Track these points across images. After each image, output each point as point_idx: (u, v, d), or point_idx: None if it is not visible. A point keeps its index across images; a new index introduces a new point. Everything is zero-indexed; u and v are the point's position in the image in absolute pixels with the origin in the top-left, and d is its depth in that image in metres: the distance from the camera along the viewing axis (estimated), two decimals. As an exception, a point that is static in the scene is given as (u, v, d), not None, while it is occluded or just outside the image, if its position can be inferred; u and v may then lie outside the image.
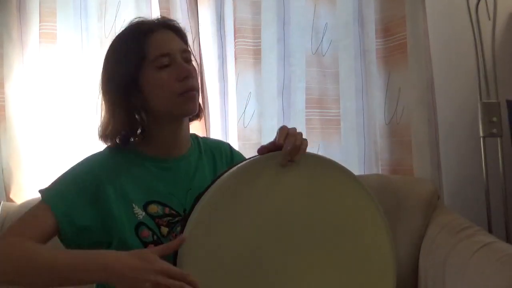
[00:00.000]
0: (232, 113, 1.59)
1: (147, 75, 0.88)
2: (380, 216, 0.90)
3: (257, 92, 1.56)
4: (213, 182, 0.83)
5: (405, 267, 1.28)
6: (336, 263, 0.84)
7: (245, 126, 1.56)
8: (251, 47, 1.56)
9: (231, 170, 0.83)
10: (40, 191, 0.88)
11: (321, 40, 1.61)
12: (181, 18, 1.55)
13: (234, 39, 1.55)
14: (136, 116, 0.91)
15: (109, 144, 0.93)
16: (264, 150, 0.85)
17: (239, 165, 0.84)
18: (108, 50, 0.95)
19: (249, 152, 1.51)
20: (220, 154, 1.04)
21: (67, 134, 1.54)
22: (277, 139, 0.85)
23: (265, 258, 0.80)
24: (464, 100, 1.60)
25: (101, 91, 0.93)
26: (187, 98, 0.89)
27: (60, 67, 1.55)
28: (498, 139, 1.44)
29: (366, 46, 1.60)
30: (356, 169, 1.59)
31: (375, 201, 0.90)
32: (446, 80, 1.61)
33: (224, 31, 1.59)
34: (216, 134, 1.56)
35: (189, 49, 0.97)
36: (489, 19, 1.46)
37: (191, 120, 1.00)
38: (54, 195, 0.86)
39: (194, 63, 0.97)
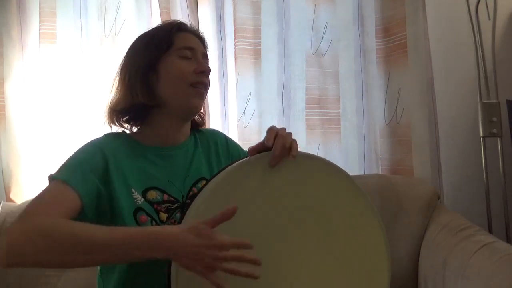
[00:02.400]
0: (232, 113, 1.59)
1: (168, 60, 0.94)
2: (373, 213, 0.90)
3: (257, 92, 1.56)
4: (210, 179, 0.83)
5: (405, 267, 1.28)
6: (330, 261, 0.84)
7: (245, 126, 1.56)
8: (251, 47, 1.56)
9: (225, 170, 0.83)
10: (51, 175, 0.85)
11: (321, 40, 1.61)
12: (181, 18, 1.55)
13: (234, 39, 1.55)
14: (147, 95, 0.93)
15: (114, 122, 0.97)
16: (253, 152, 0.86)
17: (232, 165, 0.84)
18: (139, 36, 1.01)
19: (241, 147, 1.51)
20: (215, 143, 1.07)
21: (67, 134, 1.54)
22: (265, 140, 0.84)
23: (264, 256, 0.79)
24: (464, 100, 1.60)
25: (119, 71, 0.97)
26: (196, 92, 0.94)
27: (60, 67, 1.55)
28: (498, 139, 1.44)
29: (366, 46, 1.60)
30: (356, 169, 1.59)
31: (367, 199, 0.90)
32: (446, 80, 1.61)
33: (224, 31, 1.60)
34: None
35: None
36: (489, 19, 1.46)
37: (193, 127, 1.05)
38: (71, 175, 0.84)
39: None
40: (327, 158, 0.92)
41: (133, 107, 0.94)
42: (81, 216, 0.82)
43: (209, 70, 0.97)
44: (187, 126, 1.02)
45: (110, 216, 0.87)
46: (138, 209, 0.88)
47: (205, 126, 1.11)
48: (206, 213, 0.75)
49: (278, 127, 0.88)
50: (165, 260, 0.75)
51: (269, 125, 1.55)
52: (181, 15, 1.55)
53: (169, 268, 0.76)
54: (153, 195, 0.91)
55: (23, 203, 1.43)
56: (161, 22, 1.03)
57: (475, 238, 1.07)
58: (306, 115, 1.59)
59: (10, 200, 1.49)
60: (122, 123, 0.98)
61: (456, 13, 1.59)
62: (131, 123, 0.98)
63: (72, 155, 0.90)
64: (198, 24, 1.59)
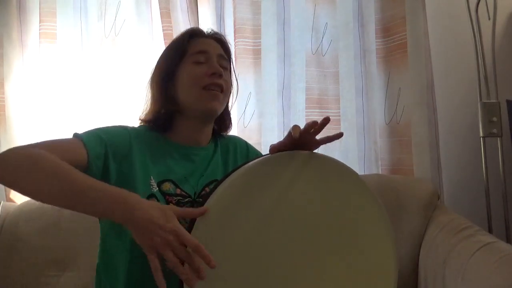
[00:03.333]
0: (232, 113, 1.58)
1: (183, 67, 0.98)
2: (384, 218, 0.90)
3: (257, 92, 1.56)
4: (237, 168, 0.85)
5: (405, 267, 1.28)
6: (339, 261, 0.85)
7: (245, 126, 1.56)
8: (251, 47, 1.56)
9: (255, 161, 0.85)
10: (76, 133, 0.90)
11: (321, 40, 1.61)
12: (181, 18, 1.55)
13: (234, 39, 1.55)
14: (168, 103, 0.98)
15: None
16: (274, 150, 0.87)
17: (253, 161, 0.86)
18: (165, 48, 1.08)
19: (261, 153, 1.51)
20: (234, 148, 1.10)
21: (67, 134, 1.53)
22: (292, 133, 0.84)
23: (272, 255, 0.80)
24: (464, 100, 1.60)
25: (149, 83, 1.04)
26: (210, 94, 0.97)
27: (60, 67, 1.55)
28: (498, 139, 1.44)
29: (366, 46, 1.60)
30: (356, 169, 1.56)
31: (380, 204, 0.91)
32: (446, 80, 1.61)
33: (224, 31, 1.59)
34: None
35: (231, 63, 1.07)
36: (489, 19, 1.46)
37: (219, 129, 1.09)
38: (91, 137, 0.89)
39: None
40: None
41: (159, 115, 0.99)
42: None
43: (221, 71, 0.97)
44: (209, 129, 1.05)
45: None
46: (152, 195, 0.91)
47: (231, 126, 1.14)
48: (233, 194, 0.80)
49: (278, 127, 0.89)
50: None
51: (269, 125, 1.56)
52: (181, 15, 1.55)
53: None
54: (167, 186, 0.94)
55: (23, 203, 1.44)
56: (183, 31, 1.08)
57: (475, 238, 1.07)
58: (306, 115, 1.59)
59: (10, 200, 1.49)
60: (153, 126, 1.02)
61: (456, 13, 1.59)
62: (158, 129, 1.01)
63: (104, 126, 0.95)
64: (198, 24, 1.59)
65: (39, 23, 1.54)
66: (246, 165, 0.85)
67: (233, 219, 0.79)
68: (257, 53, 1.56)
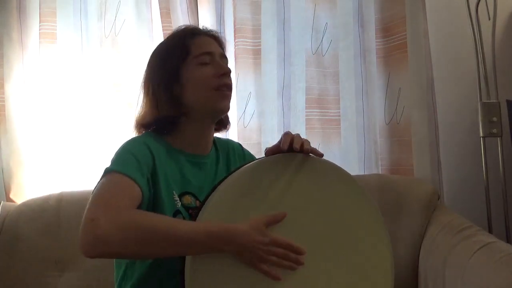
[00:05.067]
0: (232, 113, 1.59)
1: (189, 69, 0.96)
2: (378, 217, 0.92)
3: (257, 92, 1.56)
4: (230, 174, 0.85)
5: (405, 267, 1.28)
6: (333, 262, 0.85)
7: (245, 126, 1.56)
8: (251, 47, 1.56)
9: (251, 163, 0.86)
10: (111, 167, 0.85)
11: (321, 40, 1.61)
12: (181, 18, 1.55)
13: (234, 39, 1.55)
14: (174, 105, 0.96)
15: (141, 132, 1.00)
16: (269, 153, 0.88)
17: (250, 163, 0.86)
18: (156, 48, 1.04)
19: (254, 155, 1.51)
20: (233, 151, 1.11)
21: (67, 134, 1.54)
22: (281, 144, 0.86)
23: None
24: (464, 100, 1.60)
25: (143, 85, 1.01)
26: (222, 95, 0.97)
27: (60, 67, 1.55)
28: (498, 139, 1.44)
29: (366, 46, 1.60)
30: (356, 169, 1.59)
31: (374, 203, 0.93)
32: (446, 80, 1.61)
33: (224, 31, 1.59)
34: (216, 134, 1.56)
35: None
36: (489, 19, 1.46)
37: (218, 129, 1.08)
38: (128, 168, 0.85)
39: None
40: (327, 158, 0.93)
41: (160, 119, 0.96)
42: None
43: (229, 71, 0.98)
44: (212, 133, 1.04)
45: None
46: (177, 211, 0.90)
47: (230, 125, 1.13)
48: (221, 207, 0.80)
49: (278, 127, 0.90)
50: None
51: (269, 125, 1.56)
52: (181, 15, 1.55)
53: (182, 265, 0.78)
54: (188, 200, 0.93)
55: (23, 203, 1.43)
56: (175, 30, 1.05)
57: (475, 238, 1.07)
58: (306, 115, 1.59)
59: (10, 200, 1.49)
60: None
61: (456, 13, 1.59)
62: (159, 132, 0.98)
63: (122, 149, 0.91)
64: (198, 24, 1.59)
65: (39, 23, 1.54)
66: (243, 168, 0.85)
67: (231, 221, 0.79)
68: (257, 53, 1.56)
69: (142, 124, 0.99)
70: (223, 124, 1.10)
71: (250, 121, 1.56)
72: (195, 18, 1.59)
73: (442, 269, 1.07)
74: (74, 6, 1.59)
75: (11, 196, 1.49)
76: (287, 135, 0.88)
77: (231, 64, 1.56)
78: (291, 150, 0.87)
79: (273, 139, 1.52)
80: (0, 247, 1.36)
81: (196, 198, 0.94)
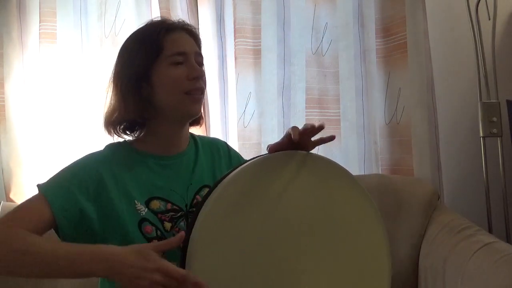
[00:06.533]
0: (232, 113, 1.59)
1: (160, 69, 0.90)
2: (376, 215, 0.92)
3: (257, 92, 1.56)
4: (223, 178, 0.85)
5: (405, 267, 1.28)
6: (330, 262, 0.86)
7: (245, 126, 1.56)
8: (251, 47, 1.56)
9: (242, 166, 0.85)
10: (38, 185, 0.87)
11: (321, 40, 1.61)
12: (181, 18, 1.55)
13: (234, 39, 1.55)
14: (142, 108, 0.91)
15: (111, 132, 0.95)
16: (272, 151, 0.87)
17: (251, 161, 0.86)
18: (127, 40, 0.97)
19: (249, 152, 1.51)
20: (218, 150, 1.06)
21: (67, 134, 1.54)
22: (293, 135, 0.84)
23: (271, 255, 0.81)
24: (464, 100, 1.60)
25: (112, 79, 0.95)
26: (193, 99, 0.92)
27: (60, 67, 1.55)
28: (498, 139, 1.44)
29: (366, 46, 1.60)
30: (356, 169, 1.59)
31: (373, 202, 0.92)
32: (446, 80, 1.61)
33: (224, 31, 1.59)
34: (216, 134, 1.56)
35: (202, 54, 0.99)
36: (489, 19, 1.46)
37: (191, 125, 1.02)
38: (52, 188, 0.85)
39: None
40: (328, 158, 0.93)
41: (128, 119, 0.92)
42: (58, 231, 0.84)
43: (202, 74, 0.94)
44: (186, 131, 1.00)
45: (105, 231, 0.86)
46: (143, 220, 0.88)
47: (204, 123, 1.10)
48: (224, 206, 0.79)
49: (278, 127, 0.90)
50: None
51: (269, 125, 1.56)
52: (181, 15, 1.55)
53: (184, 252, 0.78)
54: (156, 204, 0.90)
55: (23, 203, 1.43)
56: (149, 20, 0.98)
57: (475, 238, 1.07)
58: (306, 115, 1.59)
59: (10, 200, 1.49)
60: (120, 133, 0.95)
61: (456, 13, 1.59)
62: (128, 132, 0.95)
63: (66, 167, 0.90)
64: (198, 24, 1.59)
65: (39, 23, 1.53)
66: (245, 165, 0.85)
67: (232, 219, 0.79)
68: (257, 53, 1.56)
69: (110, 122, 0.93)
70: (196, 120, 1.03)
71: (250, 121, 1.56)
72: (195, 18, 1.59)
73: (442, 269, 1.07)
74: (74, 6, 1.58)
75: (11, 196, 1.49)
76: (295, 127, 0.86)
77: (231, 64, 1.57)
78: (295, 147, 0.86)
79: (273, 139, 1.51)
80: (0, 247, 1.36)
81: (167, 201, 0.91)
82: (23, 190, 1.50)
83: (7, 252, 0.75)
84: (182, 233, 0.77)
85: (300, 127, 0.87)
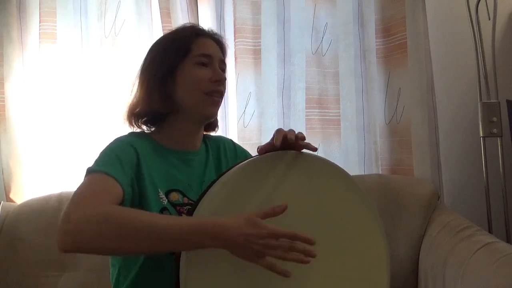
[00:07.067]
0: (232, 113, 1.59)
1: (185, 67, 0.96)
2: (373, 211, 0.91)
3: (257, 92, 1.56)
4: (219, 176, 0.85)
5: (405, 267, 1.28)
6: (333, 260, 0.85)
7: (245, 126, 1.56)
8: (251, 47, 1.56)
9: (237, 166, 0.85)
10: (93, 167, 0.85)
11: (321, 40, 1.61)
12: (181, 18, 1.55)
13: (234, 39, 1.55)
14: (165, 102, 0.95)
15: (132, 123, 0.99)
16: (262, 152, 0.88)
17: (244, 161, 0.86)
18: (159, 38, 1.04)
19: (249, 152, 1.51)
20: (224, 148, 1.10)
21: (67, 134, 1.54)
22: (274, 141, 0.86)
23: None
24: (464, 100, 1.60)
25: (139, 73, 1.00)
26: (212, 101, 0.96)
27: (60, 67, 1.55)
28: (498, 139, 1.44)
29: (366, 46, 1.60)
30: (356, 169, 1.59)
31: (371, 203, 0.92)
32: (446, 80, 1.61)
33: (224, 31, 1.60)
34: (216, 134, 1.56)
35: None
36: (489, 19, 1.46)
37: (206, 129, 1.07)
38: (112, 167, 0.84)
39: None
40: (327, 158, 0.93)
41: (151, 111, 0.96)
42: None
43: (224, 79, 0.98)
44: (202, 132, 1.04)
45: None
46: (163, 208, 0.90)
47: (218, 128, 1.13)
48: (218, 206, 0.79)
49: (278, 127, 0.89)
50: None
51: (269, 125, 1.56)
52: (181, 15, 1.55)
53: (177, 262, 0.78)
54: (175, 197, 0.93)
55: (23, 203, 1.43)
56: (180, 25, 1.05)
57: (475, 238, 1.07)
58: (306, 115, 1.59)
59: (10, 200, 1.50)
60: (141, 125, 0.99)
61: (456, 13, 1.59)
62: (149, 125, 1.00)
63: (106, 149, 0.90)
64: (198, 24, 1.59)
65: (39, 23, 1.54)
66: (237, 166, 0.85)
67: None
68: (257, 53, 1.56)
69: (133, 113, 0.98)
70: (212, 126, 1.09)
71: (250, 121, 1.56)
72: (195, 18, 1.59)
73: (442, 269, 1.07)
74: (74, 6, 1.59)
75: (11, 196, 1.50)
76: (279, 131, 0.87)
77: (231, 64, 1.57)
78: (284, 148, 0.87)
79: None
80: (0, 247, 1.36)
81: (184, 195, 0.94)
82: (23, 190, 1.50)
83: (120, 229, 0.72)
84: (286, 202, 0.76)
85: (300, 127, 0.87)
